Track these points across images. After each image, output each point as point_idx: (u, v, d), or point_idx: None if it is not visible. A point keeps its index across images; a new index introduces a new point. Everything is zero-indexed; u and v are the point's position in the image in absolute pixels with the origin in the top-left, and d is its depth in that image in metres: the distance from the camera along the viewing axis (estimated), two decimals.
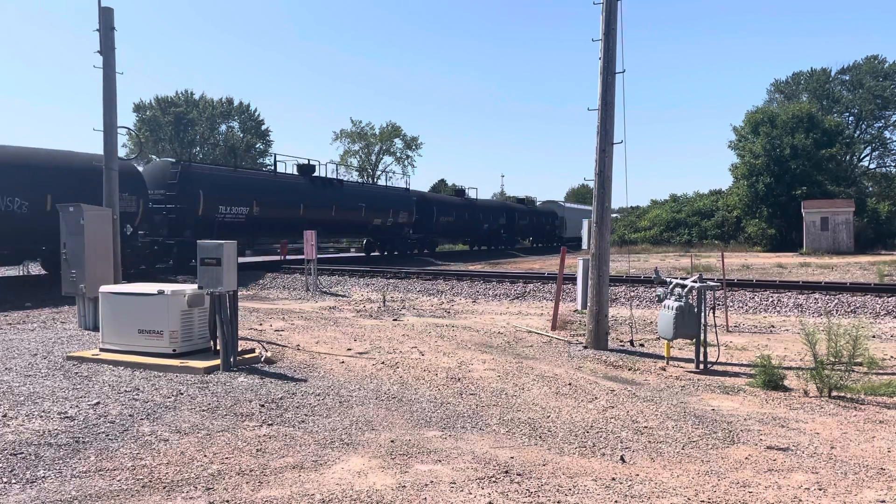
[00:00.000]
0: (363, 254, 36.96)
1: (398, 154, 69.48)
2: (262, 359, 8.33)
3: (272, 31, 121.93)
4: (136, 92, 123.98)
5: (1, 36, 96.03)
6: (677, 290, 9.14)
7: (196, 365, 7.77)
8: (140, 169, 22.90)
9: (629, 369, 9.02)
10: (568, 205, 61.69)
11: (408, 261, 31.87)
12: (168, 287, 8.38)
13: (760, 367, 8.00)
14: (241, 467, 4.81)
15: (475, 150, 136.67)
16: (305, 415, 6.24)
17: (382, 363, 8.53)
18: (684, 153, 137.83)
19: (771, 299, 15.18)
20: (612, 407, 6.81)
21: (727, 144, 55.71)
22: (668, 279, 9.61)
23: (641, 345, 10.81)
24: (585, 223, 11.47)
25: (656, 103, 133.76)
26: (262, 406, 6.44)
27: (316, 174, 30.20)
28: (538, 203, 63.81)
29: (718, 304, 13.44)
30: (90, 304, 10.91)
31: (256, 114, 65.91)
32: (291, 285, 20.37)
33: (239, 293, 9.03)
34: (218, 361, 7.89)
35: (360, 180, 32.80)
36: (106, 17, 12.19)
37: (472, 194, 48.65)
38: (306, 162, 30.13)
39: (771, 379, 7.81)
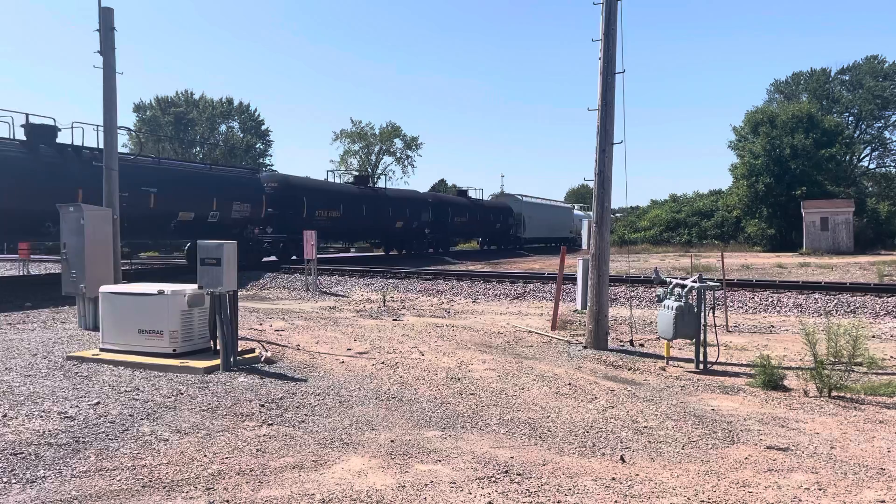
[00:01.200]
0: (185, 262, 25.90)
1: (398, 154, 69.52)
2: (262, 359, 8.33)
3: (272, 31, 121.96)
4: (136, 92, 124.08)
5: (1, 35, 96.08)
6: (677, 290, 9.14)
7: (196, 365, 7.77)
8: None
9: (629, 369, 9.02)
10: (527, 199, 50.96)
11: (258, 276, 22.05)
12: (168, 287, 8.39)
13: (760, 367, 8.00)
14: (241, 467, 4.81)
15: (475, 150, 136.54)
16: (305, 415, 6.24)
17: (382, 363, 8.54)
18: (684, 153, 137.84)
19: (771, 299, 15.18)
20: (612, 407, 6.81)
21: (727, 144, 55.69)
22: (667, 279, 9.61)
23: (641, 345, 10.81)
24: (585, 223, 11.48)
25: (656, 103, 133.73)
26: (262, 406, 6.44)
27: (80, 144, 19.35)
28: (491, 196, 52.70)
29: (718, 304, 13.44)
30: (90, 304, 10.91)
31: (256, 114, 65.95)
32: (291, 285, 20.37)
33: (239, 293, 9.03)
34: (218, 361, 7.89)
35: (152, 155, 21.99)
36: (106, 17, 12.19)
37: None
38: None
39: (771, 379, 7.81)
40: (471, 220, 41.88)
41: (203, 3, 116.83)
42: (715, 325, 9.60)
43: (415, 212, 35.69)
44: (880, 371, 8.65)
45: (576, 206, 66.00)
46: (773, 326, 12.87)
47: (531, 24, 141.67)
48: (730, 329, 12.32)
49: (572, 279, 15.51)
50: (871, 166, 60.72)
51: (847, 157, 54.89)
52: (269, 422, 5.96)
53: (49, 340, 9.65)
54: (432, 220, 37.17)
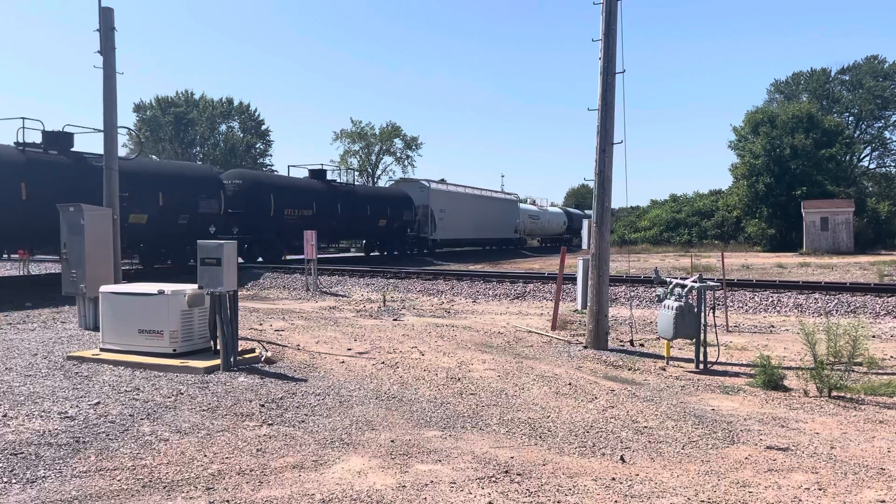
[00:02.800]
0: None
1: (398, 154, 69.53)
2: (262, 359, 8.33)
3: (272, 31, 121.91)
4: (136, 92, 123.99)
5: (1, 35, 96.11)
6: (677, 290, 9.14)
7: (196, 365, 7.77)
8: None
9: (629, 369, 9.02)
10: (439, 186, 37.80)
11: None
12: (168, 287, 8.39)
13: (760, 367, 8.00)
14: (241, 467, 4.81)
15: (475, 150, 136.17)
16: (305, 415, 6.24)
17: (382, 363, 8.54)
18: (684, 153, 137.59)
19: (771, 299, 15.18)
20: (612, 407, 6.81)
21: (727, 144, 55.65)
22: (668, 279, 9.61)
23: (641, 345, 10.81)
24: (586, 223, 11.46)
25: (656, 103, 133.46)
26: (263, 406, 6.44)
27: None
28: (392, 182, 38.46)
29: (718, 304, 13.44)
30: (90, 304, 10.91)
31: (256, 114, 65.94)
32: (291, 285, 20.37)
33: (239, 293, 9.03)
34: (218, 361, 7.89)
35: None
36: (106, 17, 12.19)
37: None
38: None
39: (771, 379, 7.82)
40: (325, 214, 27.21)
41: (203, 4, 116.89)
42: (715, 325, 9.60)
43: (181, 197, 21.28)
44: (880, 371, 8.65)
45: (527, 200, 55.29)
46: (773, 326, 12.87)
47: (531, 24, 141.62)
48: (730, 329, 12.32)
49: (572, 279, 15.51)
50: (871, 166, 60.78)
51: (847, 157, 54.86)
52: (270, 422, 5.97)
53: (49, 340, 9.65)
54: (229, 211, 23.20)
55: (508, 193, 48.40)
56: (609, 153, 10.46)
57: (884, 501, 4.39)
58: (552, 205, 67.93)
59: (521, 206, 49.53)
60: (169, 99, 63.03)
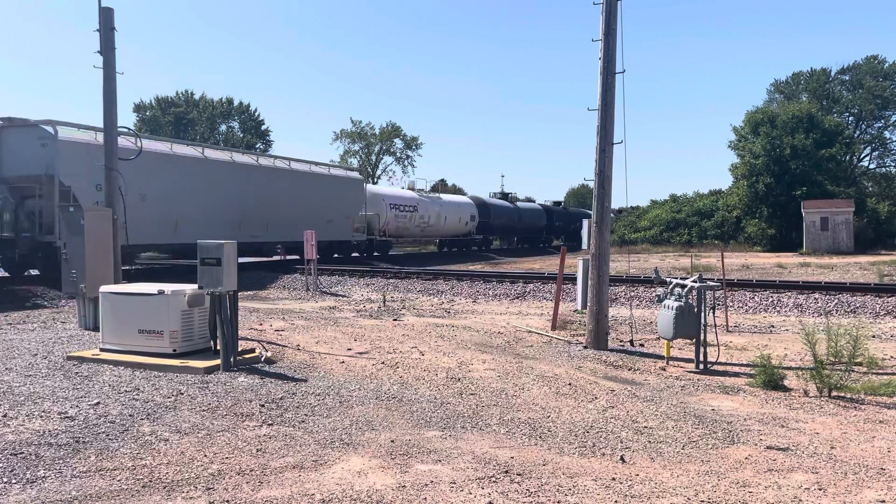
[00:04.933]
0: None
1: (398, 154, 69.51)
2: (262, 359, 8.33)
3: (272, 31, 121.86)
4: (136, 92, 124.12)
5: (1, 35, 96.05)
6: (677, 290, 9.14)
7: (196, 365, 7.77)
8: None
9: (629, 369, 9.02)
10: (100, 136, 13.40)
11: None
12: (168, 287, 8.39)
13: (760, 367, 8.00)
14: (241, 467, 4.81)
15: (475, 150, 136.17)
16: (305, 415, 6.24)
17: (382, 363, 8.53)
18: (684, 153, 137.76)
19: (771, 299, 15.18)
20: (612, 407, 6.81)
21: (727, 144, 55.49)
22: (668, 279, 9.61)
23: (641, 345, 10.80)
24: (586, 223, 11.46)
25: (656, 103, 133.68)
26: (263, 406, 6.44)
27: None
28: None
29: (718, 304, 13.42)
30: (90, 304, 10.91)
31: (256, 114, 65.97)
32: (291, 285, 20.36)
33: (239, 293, 9.03)
34: (218, 361, 7.89)
35: None
36: (106, 17, 12.18)
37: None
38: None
39: (771, 379, 7.81)
40: None
41: (203, 4, 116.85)
42: (715, 325, 9.59)
43: None
44: (880, 371, 8.65)
45: (407, 184, 38.68)
46: (773, 326, 12.86)
47: (531, 24, 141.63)
48: (730, 329, 12.32)
49: (572, 279, 15.50)
50: (871, 166, 60.78)
51: (847, 157, 54.86)
52: (270, 422, 5.96)
53: (49, 340, 9.65)
54: None
55: (349, 168, 32.38)
56: (609, 153, 10.46)
57: (884, 501, 4.39)
58: (456, 190, 49.93)
59: (374, 189, 32.36)
60: (169, 99, 63.05)
